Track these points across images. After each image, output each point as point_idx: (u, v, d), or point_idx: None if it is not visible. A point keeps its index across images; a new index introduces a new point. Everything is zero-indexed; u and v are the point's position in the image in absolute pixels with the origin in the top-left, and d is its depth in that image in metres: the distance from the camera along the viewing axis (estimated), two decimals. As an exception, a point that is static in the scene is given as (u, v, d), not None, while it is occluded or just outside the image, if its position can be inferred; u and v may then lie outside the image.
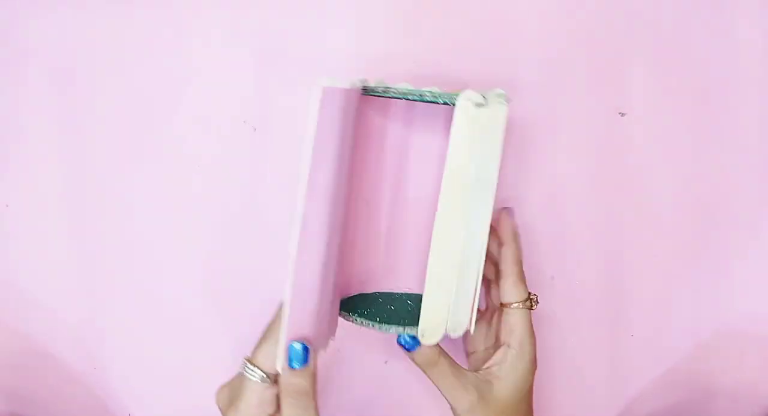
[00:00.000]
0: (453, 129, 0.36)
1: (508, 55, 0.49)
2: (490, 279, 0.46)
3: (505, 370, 0.41)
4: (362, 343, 0.51)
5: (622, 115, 0.49)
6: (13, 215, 0.52)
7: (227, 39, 0.49)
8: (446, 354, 0.41)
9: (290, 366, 0.35)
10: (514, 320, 0.42)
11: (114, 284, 0.52)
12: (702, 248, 0.50)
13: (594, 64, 0.48)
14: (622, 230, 0.50)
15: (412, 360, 0.40)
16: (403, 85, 0.41)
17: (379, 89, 0.40)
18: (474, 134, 0.37)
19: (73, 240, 0.52)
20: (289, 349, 0.35)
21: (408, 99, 0.40)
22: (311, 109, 0.34)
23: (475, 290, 0.40)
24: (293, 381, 0.35)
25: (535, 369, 0.42)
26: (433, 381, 0.41)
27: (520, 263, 0.43)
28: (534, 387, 0.43)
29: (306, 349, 0.35)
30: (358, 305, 0.43)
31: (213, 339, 0.52)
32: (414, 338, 0.39)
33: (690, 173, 0.49)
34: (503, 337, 0.42)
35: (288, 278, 0.35)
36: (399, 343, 0.40)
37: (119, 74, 0.50)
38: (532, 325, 0.42)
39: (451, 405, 0.41)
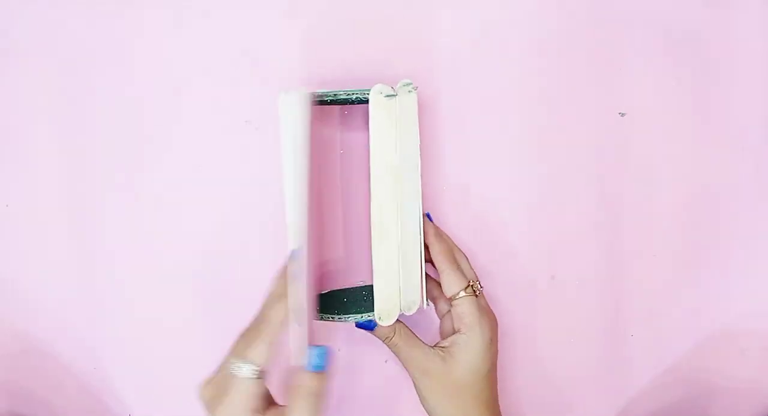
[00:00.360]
0: (370, 120, 0.41)
1: (507, 55, 0.49)
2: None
3: (455, 350, 0.43)
4: (362, 343, 0.51)
5: (622, 115, 0.49)
6: (13, 215, 0.52)
7: (227, 36, 0.49)
8: (404, 327, 0.44)
9: (314, 368, 0.37)
10: (461, 309, 0.43)
11: (114, 283, 0.52)
12: (702, 248, 0.50)
13: (594, 64, 0.49)
14: (622, 229, 0.50)
15: (374, 335, 0.44)
16: (321, 90, 0.43)
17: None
18: (389, 122, 0.41)
19: (73, 240, 0.52)
20: (314, 353, 0.37)
21: (327, 100, 0.43)
22: (288, 117, 0.37)
23: (420, 268, 0.43)
24: (311, 383, 0.36)
25: (494, 353, 0.44)
26: (393, 352, 0.44)
27: (450, 255, 0.45)
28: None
29: (328, 354, 0.37)
30: (319, 304, 0.46)
31: (214, 339, 0.52)
32: (370, 320, 0.43)
33: (690, 172, 0.49)
34: (456, 326, 0.44)
35: (302, 286, 0.37)
36: (358, 326, 0.43)
37: (120, 74, 0.50)
38: (483, 310, 0.44)
39: (408, 371, 0.43)
